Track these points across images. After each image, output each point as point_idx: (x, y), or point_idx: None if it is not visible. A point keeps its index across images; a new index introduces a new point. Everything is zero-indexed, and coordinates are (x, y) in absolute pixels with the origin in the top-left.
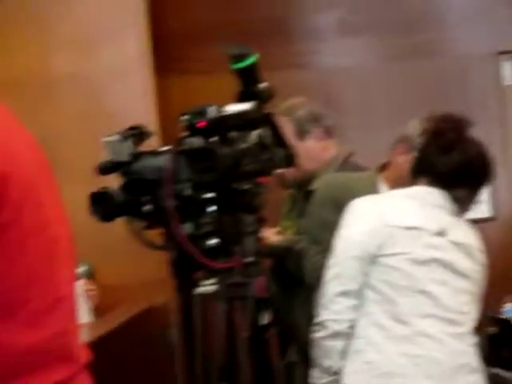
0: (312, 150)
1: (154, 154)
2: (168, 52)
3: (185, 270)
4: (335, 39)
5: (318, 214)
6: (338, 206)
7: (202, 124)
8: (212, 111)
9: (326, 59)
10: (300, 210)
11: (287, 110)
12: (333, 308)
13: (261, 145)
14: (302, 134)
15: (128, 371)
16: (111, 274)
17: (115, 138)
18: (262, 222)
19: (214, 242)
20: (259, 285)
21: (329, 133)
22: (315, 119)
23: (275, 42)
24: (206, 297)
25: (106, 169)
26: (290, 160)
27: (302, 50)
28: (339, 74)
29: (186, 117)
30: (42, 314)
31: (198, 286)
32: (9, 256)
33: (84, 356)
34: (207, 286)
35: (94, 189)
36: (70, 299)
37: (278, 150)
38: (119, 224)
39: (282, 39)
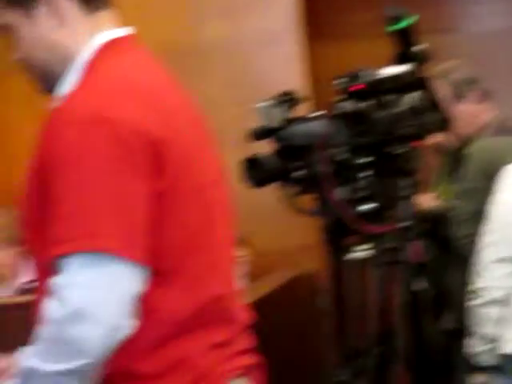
0: (467, 114)
1: (307, 119)
2: (319, 17)
3: (337, 236)
4: (487, 2)
5: (472, 180)
6: (492, 171)
7: (357, 87)
8: (367, 74)
9: (478, 22)
10: (454, 175)
11: (443, 73)
12: (488, 275)
13: (416, 108)
14: (458, 97)
15: (279, 335)
16: (264, 240)
17: (268, 103)
18: (416, 187)
19: (368, 206)
20: (415, 250)
21: (485, 96)
22: (471, 82)
23: (428, 5)
24: (359, 262)
25: (258, 135)
26: (444, 124)
27: (455, 13)
28: (490, 37)
29: (340, 80)
30: (199, 280)
31: (351, 251)
32: (168, 222)
33: (244, 317)
34: (361, 252)
35: (246, 155)
36: (227, 262)
37: (433, 114)
38: (272, 190)
39: (434, 2)
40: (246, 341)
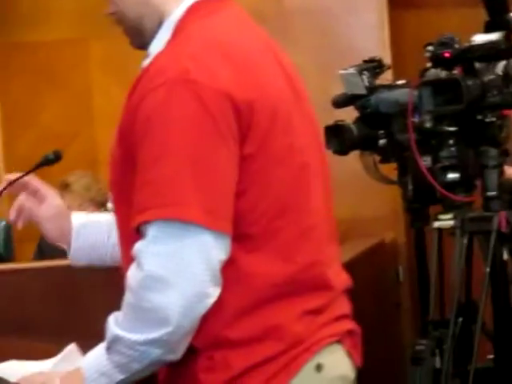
0: None
1: (391, 87)
2: None
3: (420, 205)
4: None
5: None
6: None
7: (447, 54)
8: (458, 42)
9: None
10: None
11: None
12: None
13: (507, 76)
14: None
15: (357, 303)
16: (344, 207)
17: (351, 70)
18: (506, 156)
19: (454, 175)
20: (501, 219)
21: None
22: None
23: None
24: (443, 231)
25: (341, 102)
26: None
27: None
28: None
29: (430, 48)
30: (292, 244)
31: (435, 220)
32: (258, 185)
33: (341, 282)
34: (445, 221)
35: (329, 122)
36: (323, 227)
37: None
38: (353, 157)
39: None
40: (341, 307)
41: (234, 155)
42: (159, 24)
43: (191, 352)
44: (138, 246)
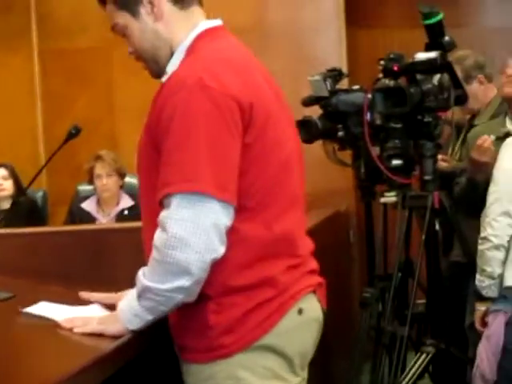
0: (475, 93)
1: (348, 91)
2: (357, 9)
3: (369, 183)
4: (492, 4)
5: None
6: None
7: (395, 68)
8: (404, 58)
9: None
10: (463, 140)
11: (457, 60)
12: (495, 225)
13: (441, 86)
14: (467, 78)
15: (320, 260)
16: (309, 184)
17: (317, 77)
18: (439, 148)
19: (398, 162)
20: (435, 198)
21: (490, 78)
22: (479, 67)
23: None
24: (387, 205)
25: (309, 102)
26: (463, 99)
27: (468, 12)
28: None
29: (382, 62)
30: (277, 215)
31: (381, 196)
32: (256, 167)
33: (309, 246)
34: (389, 197)
35: (299, 117)
36: (300, 203)
37: (455, 91)
38: (317, 145)
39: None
40: (311, 264)
41: (239, 144)
42: (171, 52)
43: (201, 299)
44: (163, 214)
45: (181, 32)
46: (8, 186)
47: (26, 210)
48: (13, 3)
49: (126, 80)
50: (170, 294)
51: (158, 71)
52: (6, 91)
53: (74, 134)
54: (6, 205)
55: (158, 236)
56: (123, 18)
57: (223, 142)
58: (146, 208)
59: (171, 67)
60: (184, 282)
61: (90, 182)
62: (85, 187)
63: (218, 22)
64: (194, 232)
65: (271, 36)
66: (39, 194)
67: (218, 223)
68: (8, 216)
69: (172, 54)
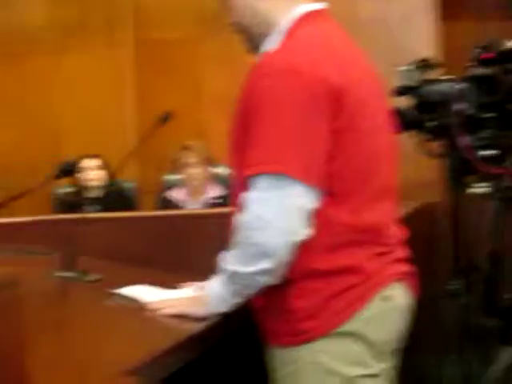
0: None
1: (439, 81)
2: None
3: (460, 174)
4: None
5: None
6: None
7: (489, 55)
8: (497, 45)
9: None
10: None
11: None
12: None
13: None
14: None
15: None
16: (400, 176)
17: (408, 67)
18: None
19: (490, 152)
20: None
21: None
22: None
23: None
24: (476, 196)
25: (400, 92)
26: None
27: None
28: None
29: (476, 50)
30: (362, 204)
31: (471, 187)
32: (347, 153)
33: (400, 234)
34: (480, 188)
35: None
36: (390, 195)
37: None
38: (406, 136)
39: None
40: (400, 253)
41: (328, 128)
42: (270, 31)
43: (285, 283)
44: (247, 195)
45: (281, 13)
46: (101, 176)
47: (116, 198)
48: None
49: (216, 70)
50: (255, 277)
51: (250, 47)
52: (100, 82)
53: (164, 119)
54: (99, 194)
55: (240, 218)
56: None
57: (311, 126)
58: (239, 193)
59: (266, 47)
60: (267, 264)
61: (179, 171)
62: (173, 177)
63: (319, 5)
64: (277, 213)
65: (362, 27)
66: (129, 185)
67: (302, 206)
68: (100, 204)
69: (268, 34)
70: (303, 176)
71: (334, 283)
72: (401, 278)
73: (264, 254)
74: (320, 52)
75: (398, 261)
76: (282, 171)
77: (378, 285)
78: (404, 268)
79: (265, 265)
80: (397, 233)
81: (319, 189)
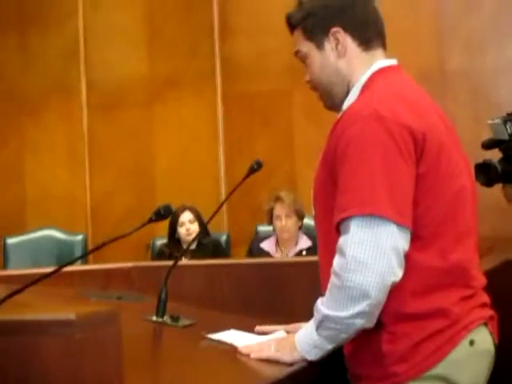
0: None
1: None
2: None
3: None
4: None
5: None
6: None
7: None
8: None
9: None
10: None
11: None
12: None
13: None
14: None
15: (499, 300)
16: (488, 228)
17: (497, 121)
18: None
19: None
20: None
21: None
22: None
23: None
24: None
25: (489, 145)
26: None
27: None
28: None
29: None
30: (448, 246)
31: None
32: (429, 198)
33: (482, 279)
34: None
35: (479, 160)
36: (471, 236)
37: None
38: (497, 189)
39: None
40: (483, 297)
41: (413, 172)
42: (347, 89)
43: (375, 327)
44: (342, 238)
45: (360, 72)
46: (194, 229)
47: (210, 250)
48: (198, 47)
49: (305, 122)
50: (351, 321)
51: (330, 104)
52: (191, 133)
53: (255, 168)
54: (193, 246)
55: (337, 261)
56: (308, 46)
57: (398, 169)
58: (322, 239)
59: (347, 104)
60: (364, 306)
61: (270, 222)
62: (264, 227)
63: (392, 62)
64: (374, 254)
65: (452, 79)
66: (223, 237)
67: (397, 246)
68: (194, 257)
69: (348, 92)
70: (396, 216)
71: (423, 327)
72: (485, 322)
73: (361, 296)
74: (397, 101)
75: (483, 305)
76: (374, 212)
77: (465, 329)
78: (488, 313)
79: (361, 307)
80: (480, 276)
81: (410, 229)
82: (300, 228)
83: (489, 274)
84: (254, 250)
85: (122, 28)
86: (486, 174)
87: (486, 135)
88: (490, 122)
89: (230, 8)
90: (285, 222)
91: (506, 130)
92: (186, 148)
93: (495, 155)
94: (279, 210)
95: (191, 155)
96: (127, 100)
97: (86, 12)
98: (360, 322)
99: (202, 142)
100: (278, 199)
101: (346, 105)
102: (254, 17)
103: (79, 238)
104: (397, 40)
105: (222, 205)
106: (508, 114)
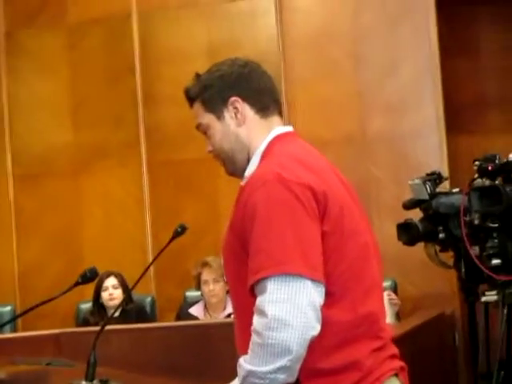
0: None
1: (447, 194)
2: (458, 115)
3: (471, 284)
4: None
5: None
6: None
7: (490, 168)
8: (499, 158)
9: None
10: None
11: None
12: None
13: None
14: None
15: (420, 365)
16: (413, 287)
17: (417, 181)
18: None
19: (497, 261)
20: None
21: None
22: None
23: None
24: (488, 304)
25: (410, 205)
26: None
27: None
28: None
29: (477, 162)
30: (357, 300)
31: (482, 295)
32: (335, 255)
33: (390, 331)
34: (490, 296)
35: (400, 221)
36: (377, 289)
37: None
38: (418, 248)
39: None
40: (392, 348)
41: (319, 229)
42: (248, 156)
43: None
44: (260, 299)
45: (259, 139)
46: (118, 295)
47: (134, 316)
48: (123, 116)
49: (229, 189)
50: (273, 375)
51: (232, 170)
52: (117, 202)
53: (180, 232)
54: (116, 313)
55: (258, 321)
56: (208, 118)
57: (306, 227)
58: (239, 304)
59: (249, 171)
60: (286, 361)
61: (198, 287)
62: (193, 293)
63: (288, 128)
64: (293, 312)
65: (374, 143)
66: (147, 300)
67: (314, 301)
68: (118, 324)
69: (249, 158)
70: (310, 272)
71: (337, 381)
72: (396, 373)
73: (282, 352)
74: (297, 164)
75: (393, 356)
76: (289, 270)
77: (377, 380)
78: (398, 364)
79: (283, 362)
80: (387, 328)
81: (324, 283)
82: (228, 292)
83: (414, 333)
84: (183, 316)
85: (45, 98)
86: (407, 233)
87: (407, 196)
88: (410, 182)
89: (153, 76)
90: (212, 286)
91: (426, 189)
92: (112, 218)
93: (416, 215)
94: (207, 274)
95: (118, 225)
96: (53, 169)
97: (9, 82)
98: (281, 377)
99: (129, 212)
100: (205, 264)
101: (248, 172)
102: (176, 85)
103: (7, 308)
104: (319, 106)
105: (147, 269)
106: (427, 175)
